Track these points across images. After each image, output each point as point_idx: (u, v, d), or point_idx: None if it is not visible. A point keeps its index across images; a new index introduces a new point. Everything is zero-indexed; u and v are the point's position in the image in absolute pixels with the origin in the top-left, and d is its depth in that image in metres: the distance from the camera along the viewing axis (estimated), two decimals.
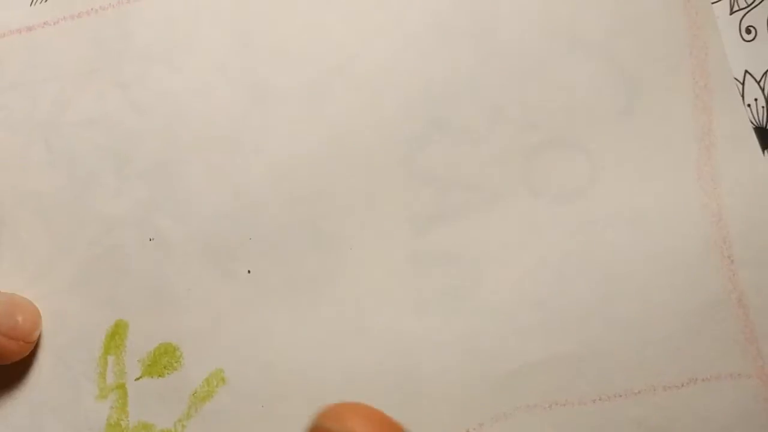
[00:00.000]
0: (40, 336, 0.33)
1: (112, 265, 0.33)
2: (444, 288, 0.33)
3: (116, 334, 0.33)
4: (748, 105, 0.33)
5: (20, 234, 0.33)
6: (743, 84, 0.33)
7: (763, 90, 0.33)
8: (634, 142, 0.33)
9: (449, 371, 0.32)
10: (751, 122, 0.33)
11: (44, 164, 0.33)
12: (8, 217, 0.33)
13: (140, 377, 0.33)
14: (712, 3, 0.33)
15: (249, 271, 0.33)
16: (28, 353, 0.32)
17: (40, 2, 0.33)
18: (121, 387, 0.33)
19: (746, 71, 0.33)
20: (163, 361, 0.33)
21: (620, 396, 0.32)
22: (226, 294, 0.33)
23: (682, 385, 0.32)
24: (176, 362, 0.33)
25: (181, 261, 0.33)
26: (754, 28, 0.33)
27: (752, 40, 0.33)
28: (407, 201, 0.33)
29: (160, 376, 0.33)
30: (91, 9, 0.33)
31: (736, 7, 0.33)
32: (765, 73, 0.33)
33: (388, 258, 0.33)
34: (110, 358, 0.33)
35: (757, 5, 0.33)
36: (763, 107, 0.33)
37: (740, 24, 0.33)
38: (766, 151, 0.32)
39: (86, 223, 0.33)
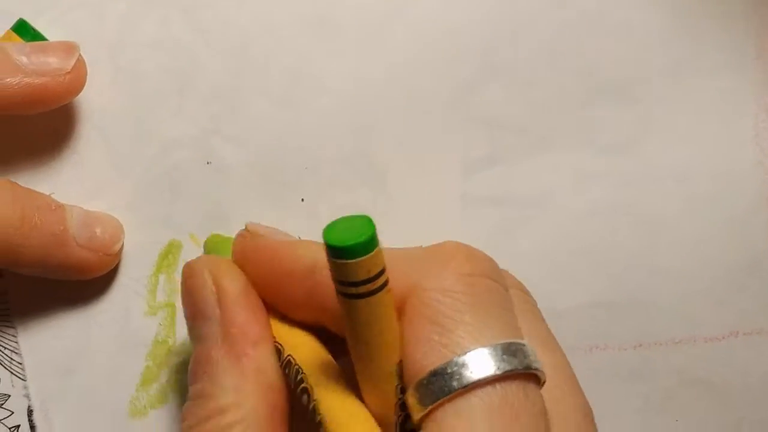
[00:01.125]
0: (122, 250, 0.33)
1: (170, 185, 0.33)
2: (492, 230, 0.33)
3: (169, 254, 0.33)
4: None
5: (79, 149, 0.33)
6: None
7: None
8: (691, 96, 0.33)
9: None
10: None
11: (108, 82, 0.33)
12: (68, 131, 0.33)
13: None
14: None
15: (302, 200, 0.33)
16: (111, 267, 0.33)
17: None
18: (171, 305, 0.33)
19: None
20: None
21: (661, 344, 0.33)
22: (280, 220, 0.33)
23: (723, 338, 0.33)
24: None
25: (238, 186, 0.33)
26: None
27: None
28: (459, 142, 0.33)
29: None
30: None
31: None
32: None
33: (438, 197, 0.33)
34: (161, 277, 0.33)
35: None
36: None
37: None
38: None
39: (146, 143, 0.33)
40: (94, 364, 0.33)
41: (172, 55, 0.33)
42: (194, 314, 0.28)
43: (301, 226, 0.33)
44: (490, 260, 0.26)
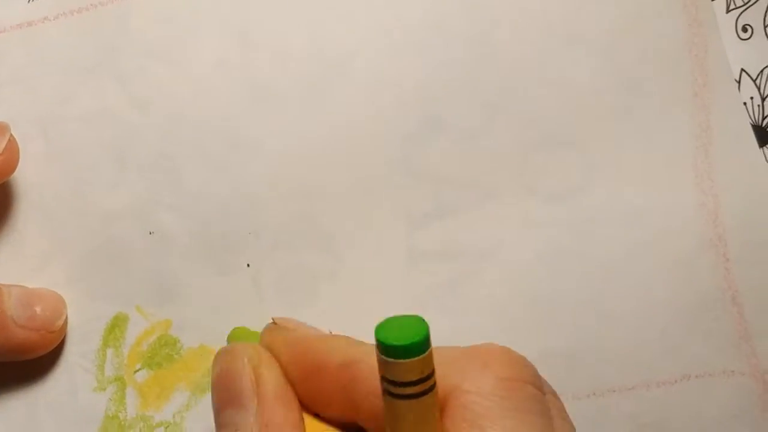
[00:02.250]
0: (66, 325, 0.32)
1: (112, 258, 0.33)
2: (440, 284, 0.33)
3: (115, 327, 0.33)
4: (744, 103, 0.33)
5: (18, 226, 0.33)
6: (739, 82, 0.33)
7: (759, 88, 0.33)
8: (631, 140, 0.33)
9: None
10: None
11: (43, 157, 0.33)
12: (5, 210, 0.33)
13: (139, 369, 0.33)
14: (711, 0, 0.33)
15: (248, 265, 0.33)
16: (55, 344, 0.32)
17: None
18: (120, 379, 0.33)
19: (742, 69, 0.33)
20: (162, 353, 0.33)
21: (614, 391, 0.33)
22: (226, 287, 0.33)
23: (676, 382, 0.33)
24: (176, 355, 0.33)
25: (182, 254, 0.33)
26: (750, 26, 0.33)
27: (748, 38, 0.33)
28: (404, 198, 0.33)
29: (159, 368, 0.33)
30: (91, 5, 0.33)
31: (732, 6, 0.33)
32: (761, 71, 0.33)
33: (386, 255, 0.33)
34: (109, 351, 0.33)
35: (752, 4, 0.33)
36: (759, 105, 0.33)
37: (737, 22, 0.33)
38: (763, 149, 0.33)
39: (85, 216, 0.33)
40: None
41: (107, 127, 0.33)
42: (227, 401, 0.26)
43: (248, 292, 0.33)
44: (531, 365, 0.25)
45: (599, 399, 0.33)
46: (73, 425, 0.33)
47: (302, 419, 0.26)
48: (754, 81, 0.33)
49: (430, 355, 0.22)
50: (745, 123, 0.33)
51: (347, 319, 0.33)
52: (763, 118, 0.33)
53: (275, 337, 0.28)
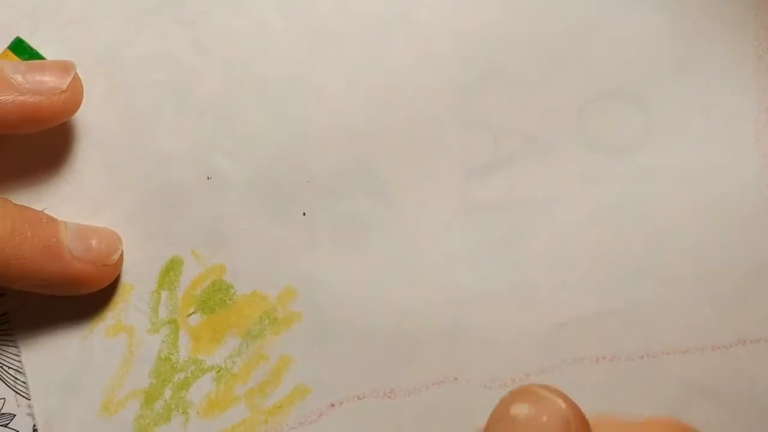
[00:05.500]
0: (121, 260, 0.33)
1: (170, 201, 0.33)
2: (496, 238, 0.33)
3: (171, 270, 0.33)
4: None
5: (77, 166, 0.33)
6: None
7: None
8: (692, 99, 0.32)
9: (498, 321, 0.33)
10: None
11: (104, 98, 0.33)
12: (65, 150, 0.33)
13: (193, 313, 0.33)
14: None
15: (304, 214, 0.33)
16: (111, 279, 0.32)
17: None
18: (173, 322, 0.33)
19: None
20: (216, 298, 0.33)
21: (668, 353, 0.32)
22: (281, 235, 0.33)
23: (731, 346, 0.32)
24: (229, 300, 0.33)
25: (238, 201, 0.33)
26: None
27: None
28: (462, 148, 0.33)
29: (212, 312, 0.33)
30: None
31: None
32: None
33: (442, 205, 0.33)
34: (164, 293, 0.33)
35: None
36: None
37: None
38: None
39: (144, 158, 0.33)
40: (97, 381, 0.33)
41: (168, 70, 0.33)
42: None
43: (302, 239, 0.33)
44: None
45: (652, 360, 0.32)
46: (126, 365, 0.33)
47: None
48: None
49: None
50: None
51: (401, 269, 0.33)
52: None
53: None
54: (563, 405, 0.22)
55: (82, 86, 0.31)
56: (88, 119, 0.33)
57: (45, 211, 0.32)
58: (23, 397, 0.33)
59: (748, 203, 0.32)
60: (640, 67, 0.33)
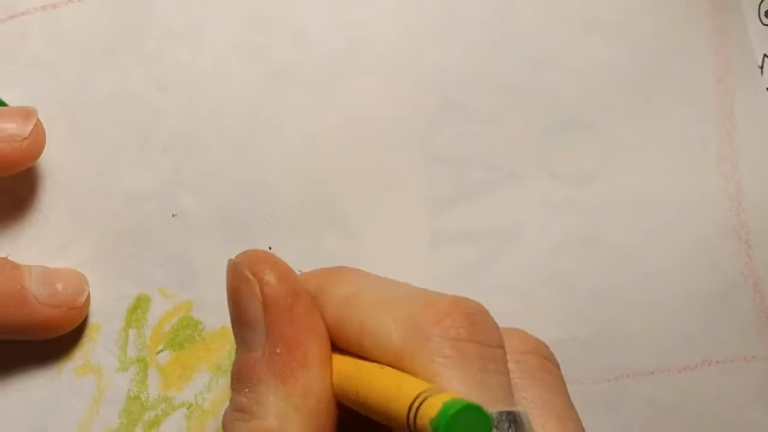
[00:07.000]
0: (88, 302, 0.32)
1: (135, 239, 0.33)
2: (462, 268, 0.33)
3: (138, 308, 0.33)
4: (767, 88, 0.33)
5: (41, 208, 0.33)
6: (762, 68, 0.33)
7: None
8: (653, 125, 0.33)
9: None
10: None
11: (67, 138, 0.33)
12: (29, 192, 0.33)
13: (161, 351, 0.33)
14: None
15: (270, 248, 0.33)
16: (78, 322, 0.32)
17: None
18: (142, 360, 0.33)
19: (765, 55, 0.33)
20: (184, 334, 0.33)
21: (633, 376, 0.33)
22: None
23: (696, 367, 0.33)
24: (198, 336, 0.33)
25: (204, 237, 0.33)
26: None
27: None
28: (425, 180, 0.33)
29: (181, 349, 0.33)
30: None
31: None
32: None
33: (407, 238, 0.33)
34: (131, 332, 0.33)
35: None
36: None
37: (759, 8, 0.33)
38: None
39: (108, 197, 0.33)
40: (66, 423, 0.33)
41: (130, 108, 0.33)
42: (237, 320, 0.26)
43: None
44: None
45: (618, 383, 0.33)
46: (94, 405, 0.33)
47: (327, 341, 0.25)
48: None
49: None
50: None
51: None
52: None
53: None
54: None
55: (44, 132, 0.31)
56: (51, 160, 0.33)
57: (9, 257, 0.32)
58: None
59: (710, 225, 0.33)
60: (599, 96, 0.33)
